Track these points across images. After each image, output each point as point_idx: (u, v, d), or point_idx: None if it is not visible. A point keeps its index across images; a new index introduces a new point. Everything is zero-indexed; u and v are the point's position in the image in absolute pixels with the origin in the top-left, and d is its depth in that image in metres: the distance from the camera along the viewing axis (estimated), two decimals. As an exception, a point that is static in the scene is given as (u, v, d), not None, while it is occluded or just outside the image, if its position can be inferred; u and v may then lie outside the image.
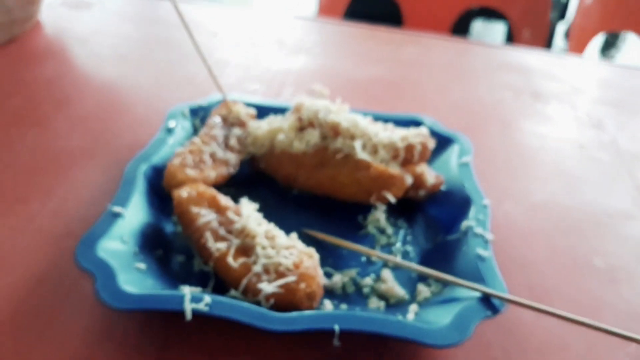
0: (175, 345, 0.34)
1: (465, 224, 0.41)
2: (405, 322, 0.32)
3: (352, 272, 0.40)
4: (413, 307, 0.35)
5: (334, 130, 0.45)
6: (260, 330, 0.31)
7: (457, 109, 0.66)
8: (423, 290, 0.37)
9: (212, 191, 0.40)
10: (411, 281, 0.39)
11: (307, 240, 0.40)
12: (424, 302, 0.36)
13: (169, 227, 0.42)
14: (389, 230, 0.44)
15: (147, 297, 0.32)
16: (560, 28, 1.25)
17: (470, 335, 0.31)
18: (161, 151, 0.45)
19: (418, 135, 0.46)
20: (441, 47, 0.84)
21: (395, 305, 0.37)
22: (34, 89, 0.62)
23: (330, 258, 0.41)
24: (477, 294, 0.34)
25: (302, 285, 0.34)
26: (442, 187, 0.46)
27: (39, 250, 0.40)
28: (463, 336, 0.31)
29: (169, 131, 0.48)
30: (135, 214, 0.39)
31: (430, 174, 0.46)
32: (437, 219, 0.45)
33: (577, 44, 1.10)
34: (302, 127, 0.47)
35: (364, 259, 0.41)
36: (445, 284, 0.37)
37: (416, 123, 0.51)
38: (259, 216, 0.39)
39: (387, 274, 0.39)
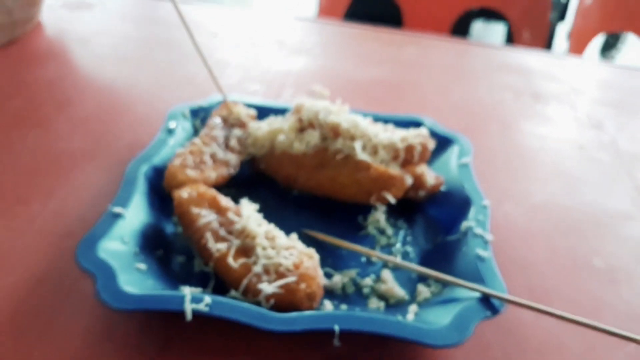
0: (176, 346, 0.34)
1: (465, 224, 0.41)
2: (405, 322, 0.32)
3: (352, 272, 0.40)
4: (413, 308, 0.35)
5: (334, 131, 0.45)
6: (260, 331, 0.31)
7: (457, 110, 0.66)
8: (423, 291, 0.38)
9: (213, 192, 0.40)
10: (411, 282, 0.39)
11: (307, 240, 0.40)
12: (423, 303, 0.36)
13: (169, 228, 0.42)
14: (389, 230, 0.44)
15: (148, 298, 0.32)
16: (561, 29, 1.25)
17: (470, 336, 0.31)
18: (162, 152, 0.45)
19: (418, 136, 0.46)
20: (441, 48, 0.84)
21: (395, 305, 0.37)
22: (35, 90, 0.62)
23: (330, 258, 0.41)
24: (477, 295, 0.34)
25: (302, 286, 0.34)
26: (442, 188, 0.46)
27: (39, 251, 0.40)
28: (463, 336, 0.31)
29: (170, 132, 0.48)
30: (135, 214, 0.39)
31: (430, 175, 0.46)
32: (437, 219, 0.45)
33: (576, 44, 1.10)
34: (303, 128, 0.47)
35: (364, 259, 0.42)
36: (445, 284, 0.37)
37: (416, 124, 0.51)
38: (259, 217, 0.39)
39: (387, 274, 0.39)
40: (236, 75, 0.69)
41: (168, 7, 0.82)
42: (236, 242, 0.37)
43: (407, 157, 0.45)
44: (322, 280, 0.36)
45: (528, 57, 0.83)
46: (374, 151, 0.45)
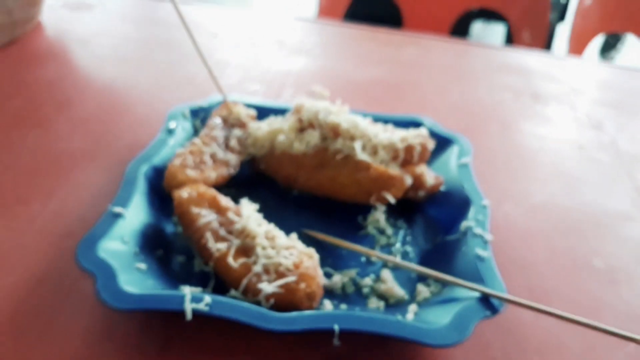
0: (176, 345, 0.34)
1: (464, 224, 0.41)
2: (405, 322, 0.32)
3: (352, 272, 0.40)
4: (412, 307, 0.35)
5: (334, 131, 0.45)
6: (260, 330, 0.31)
7: (456, 110, 0.66)
8: (422, 291, 0.38)
9: (213, 192, 0.40)
10: (411, 281, 0.39)
11: (307, 240, 0.40)
12: (423, 302, 0.36)
13: (169, 228, 0.42)
14: (389, 230, 0.44)
15: (148, 297, 0.32)
16: (560, 29, 1.25)
17: (470, 335, 0.31)
18: (162, 152, 0.45)
19: (418, 136, 0.46)
20: (441, 49, 0.84)
21: (394, 305, 0.38)
22: (35, 90, 0.62)
23: (330, 258, 0.41)
24: (477, 294, 0.34)
25: (302, 286, 0.34)
26: (442, 188, 0.46)
27: (39, 251, 0.40)
28: (462, 336, 0.31)
29: (170, 132, 0.48)
30: (135, 214, 0.39)
31: (429, 175, 0.46)
32: (436, 219, 0.45)
33: (576, 45, 1.10)
34: (302, 128, 0.47)
35: (363, 259, 0.42)
36: (444, 284, 0.37)
37: (416, 124, 0.52)
38: (259, 217, 0.39)
39: (386, 274, 0.39)
40: (236, 76, 0.69)
41: (168, 8, 0.82)
42: (236, 242, 0.37)
43: (406, 157, 0.45)
44: (322, 280, 0.36)
45: (528, 58, 0.83)
46: (374, 151, 0.45)
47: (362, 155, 0.44)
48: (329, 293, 0.38)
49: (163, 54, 0.73)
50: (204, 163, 0.44)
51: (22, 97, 0.60)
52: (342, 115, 0.46)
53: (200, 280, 0.37)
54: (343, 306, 0.37)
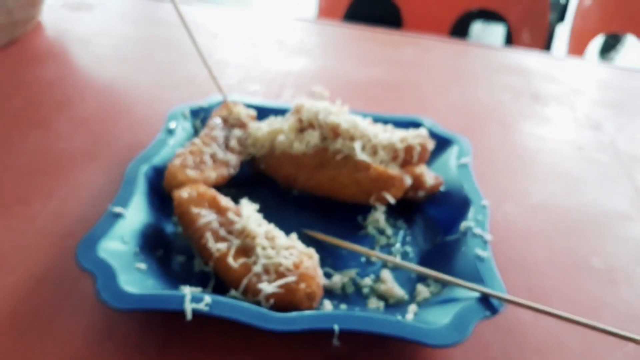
0: (176, 345, 0.34)
1: (464, 224, 0.41)
2: (405, 322, 0.32)
3: (352, 272, 0.40)
4: (412, 308, 0.35)
5: (334, 132, 0.45)
6: (260, 330, 0.31)
7: (456, 111, 0.67)
8: (422, 291, 0.38)
9: (213, 192, 0.40)
10: (410, 281, 0.40)
11: (307, 240, 0.40)
12: (423, 303, 0.37)
13: (169, 228, 0.42)
14: (389, 230, 0.44)
15: (148, 297, 0.32)
16: (560, 30, 1.25)
17: (469, 336, 0.31)
18: (162, 152, 0.45)
19: (417, 137, 0.46)
20: (441, 49, 0.84)
21: (394, 305, 0.38)
22: (35, 90, 0.62)
23: (330, 258, 0.41)
24: (476, 294, 0.34)
25: (302, 286, 0.34)
26: (442, 188, 0.46)
27: (39, 251, 0.40)
28: (462, 336, 0.31)
29: (170, 132, 0.48)
30: (135, 214, 0.39)
31: (429, 175, 0.46)
32: (436, 219, 0.45)
33: (576, 45, 1.10)
34: (302, 128, 0.47)
35: (363, 259, 0.42)
36: (444, 284, 0.37)
37: (415, 124, 0.52)
38: (259, 217, 0.39)
39: (386, 274, 0.39)
40: (236, 76, 0.69)
41: (168, 8, 0.82)
42: (236, 242, 0.37)
43: (406, 158, 0.45)
44: (322, 280, 0.36)
45: (527, 58, 0.84)
46: (374, 151, 0.45)
47: (361, 156, 0.44)
48: (328, 293, 0.38)
49: (163, 54, 0.73)
50: (204, 163, 0.44)
51: (22, 97, 0.60)
52: (342, 115, 0.46)
53: (200, 280, 0.37)
54: (343, 306, 0.37)
